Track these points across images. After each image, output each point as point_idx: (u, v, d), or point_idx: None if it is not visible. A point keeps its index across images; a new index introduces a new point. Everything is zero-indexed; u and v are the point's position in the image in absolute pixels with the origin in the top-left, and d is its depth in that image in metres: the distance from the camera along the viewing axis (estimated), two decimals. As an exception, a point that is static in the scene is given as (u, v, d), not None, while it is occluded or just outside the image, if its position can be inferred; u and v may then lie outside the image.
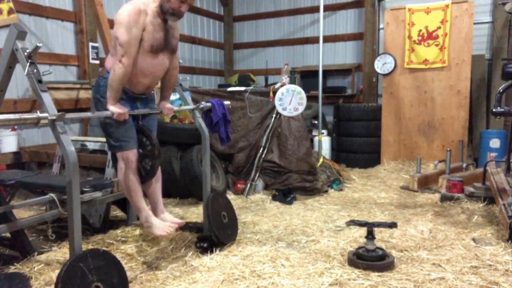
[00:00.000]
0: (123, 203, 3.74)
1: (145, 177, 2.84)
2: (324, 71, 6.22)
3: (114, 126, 2.65)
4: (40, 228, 3.52)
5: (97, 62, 5.75)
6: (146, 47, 2.62)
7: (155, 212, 2.91)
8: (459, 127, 6.03)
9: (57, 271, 2.24)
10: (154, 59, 2.69)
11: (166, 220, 2.87)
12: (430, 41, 6.06)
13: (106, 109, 2.62)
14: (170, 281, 2.60)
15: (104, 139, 3.73)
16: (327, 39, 7.82)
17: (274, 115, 4.92)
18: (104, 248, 2.70)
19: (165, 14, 2.64)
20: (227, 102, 3.53)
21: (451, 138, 6.06)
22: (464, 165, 5.35)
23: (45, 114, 2.12)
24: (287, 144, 4.79)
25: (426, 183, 5.04)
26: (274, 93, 4.90)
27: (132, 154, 2.69)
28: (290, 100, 4.84)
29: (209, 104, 3.34)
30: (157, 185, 2.97)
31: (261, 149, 4.88)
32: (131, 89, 2.73)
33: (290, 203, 4.44)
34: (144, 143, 2.81)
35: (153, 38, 2.62)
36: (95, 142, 4.13)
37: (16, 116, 2.03)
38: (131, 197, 2.77)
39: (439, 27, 5.99)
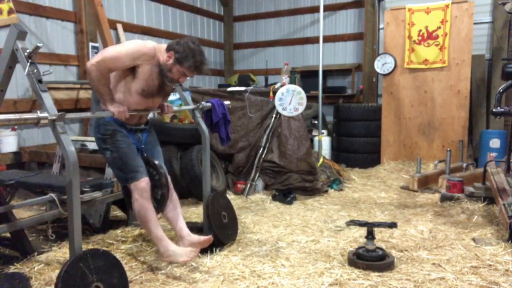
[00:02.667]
0: (123, 203, 3.74)
1: (157, 207, 2.83)
2: (324, 71, 6.22)
3: (122, 159, 2.67)
4: (40, 228, 3.52)
5: (97, 62, 5.74)
6: (138, 88, 2.64)
7: (181, 236, 2.83)
8: (459, 127, 6.03)
9: (57, 271, 2.24)
10: (144, 101, 2.72)
11: (193, 241, 2.78)
12: (430, 41, 6.06)
13: (111, 146, 2.66)
14: (170, 281, 2.60)
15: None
16: (327, 39, 7.81)
17: (274, 115, 4.92)
18: (104, 248, 2.69)
19: (164, 78, 2.65)
20: (227, 102, 3.53)
21: (451, 138, 6.06)
22: (464, 165, 5.35)
23: (45, 114, 2.12)
24: (287, 144, 4.79)
25: (426, 183, 5.04)
26: (274, 93, 4.90)
27: (144, 183, 2.68)
28: (290, 100, 4.84)
29: (209, 104, 3.34)
30: (177, 210, 2.92)
31: (261, 149, 4.88)
32: (126, 122, 2.73)
33: (290, 203, 4.44)
34: (151, 174, 2.80)
35: (146, 83, 2.64)
36: (95, 142, 4.12)
37: (16, 116, 2.03)
38: (149, 227, 2.71)
39: (439, 27, 5.99)
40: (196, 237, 2.81)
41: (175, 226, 2.89)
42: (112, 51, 2.57)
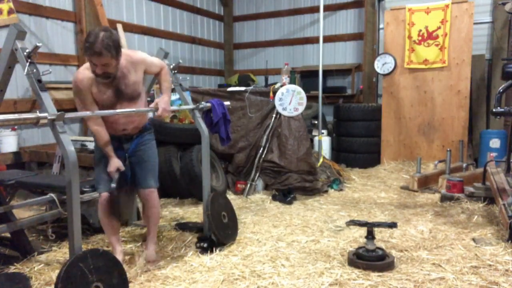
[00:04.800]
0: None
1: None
2: (324, 71, 6.22)
3: (95, 169, 2.88)
4: (40, 228, 3.52)
5: (97, 62, 5.75)
6: (99, 104, 2.69)
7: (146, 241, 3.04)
8: (459, 127, 6.03)
9: (57, 271, 2.24)
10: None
11: (149, 256, 2.90)
12: (430, 41, 6.06)
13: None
14: (170, 281, 2.60)
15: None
16: (327, 39, 7.80)
17: (274, 115, 4.91)
18: (104, 248, 2.70)
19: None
20: (227, 103, 3.52)
21: (451, 138, 6.06)
22: (464, 165, 5.35)
23: (45, 114, 2.12)
24: (287, 144, 4.78)
25: (426, 183, 5.04)
26: (274, 93, 4.90)
27: (102, 198, 2.81)
28: (290, 100, 4.84)
29: (208, 105, 3.33)
30: (149, 229, 3.01)
31: (261, 149, 4.88)
32: (111, 132, 2.77)
33: (290, 203, 4.44)
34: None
35: (100, 97, 2.66)
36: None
37: (16, 116, 2.03)
38: (106, 233, 2.97)
39: (439, 27, 5.99)
40: (151, 255, 2.95)
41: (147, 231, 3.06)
42: (76, 104, 2.72)
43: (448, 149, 5.04)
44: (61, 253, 3.05)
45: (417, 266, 2.74)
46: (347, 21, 8.01)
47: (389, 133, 6.42)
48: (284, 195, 4.54)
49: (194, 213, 4.13)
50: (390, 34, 6.34)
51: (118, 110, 2.63)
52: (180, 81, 3.40)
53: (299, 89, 4.87)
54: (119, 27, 6.23)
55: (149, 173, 2.90)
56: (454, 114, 6.04)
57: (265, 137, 4.89)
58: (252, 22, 9.02)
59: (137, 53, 2.80)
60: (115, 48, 2.50)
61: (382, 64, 6.36)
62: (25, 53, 2.18)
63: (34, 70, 2.19)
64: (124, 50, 2.73)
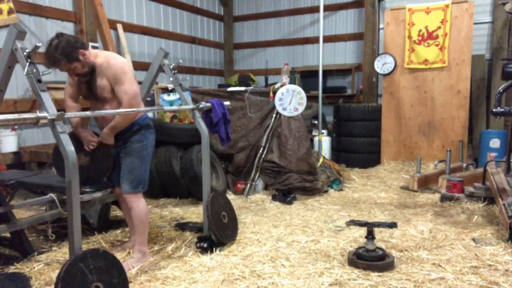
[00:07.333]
0: (123, 203, 3.73)
1: None
2: (324, 71, 6.22)
3: None
4: (40, 228, 3.52)
5: (97, 62, 5.74)
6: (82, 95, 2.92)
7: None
8: (459, 127, 6.03)
9: (57, 271, 2.24)
10: (90, 104, 2.92)
11: (129, 263, 2.83)
12: (430, 41, 6.06)
13: None
14: (170, 281, 2.60)
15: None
16: (327, 39, 7.81)
17: (274, 115, 4.91)
18: (104, 248, 2.69)
19: None
20: (227, 103, 3.53)
21: (451, 138, 6.06)
22: (464, 165, 5.35)
23: (45, 114, 2.12)
24: (287, 144, 4.78)
25: (426, 183, 5.04)
26: (274, 93, 4.90)
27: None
28: (290, 100, 4.84)
29: (208, 105, 3.33)
30: (133, 223, 2.99)
31: (261, 149, 4.88)
32: (100, 127, 2.97)
33: (290, 203, 4.44)
34: None
35: (80, 89, 2.86)
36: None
37: (16, 116, 2.03)
38: None
39: (439, 27, 5.99)
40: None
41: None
42: None
43: (448, 149, 5.04)
44: (61, 253, 3.05)
45: (417, 266, 2.74)
46: (347, 21, 8.01)
47: (389, 133, 6.42)
48: (284, 195, 4.54)
49: (194, 213, 4.13)
50: (390, 34, 6.34)
51: (105, 111, 2.71)
52: (180, 81, 3.39)
53: (299, 89, 4.87)
54: (119, 27, 6.23)
55: (124, 177, 2.87)
56: (454, 114, 6.04)
57: (265, 137, 4.89)
58: (252, 22, 9.02)
59: (116, 60, 2.71)
60: (65, 55, 2.53)
61: (382, 64, 6.36)
62: (25, 53, 2.18)
63: (34, 70, 2.19)
64: (110, 53, 2.79)
